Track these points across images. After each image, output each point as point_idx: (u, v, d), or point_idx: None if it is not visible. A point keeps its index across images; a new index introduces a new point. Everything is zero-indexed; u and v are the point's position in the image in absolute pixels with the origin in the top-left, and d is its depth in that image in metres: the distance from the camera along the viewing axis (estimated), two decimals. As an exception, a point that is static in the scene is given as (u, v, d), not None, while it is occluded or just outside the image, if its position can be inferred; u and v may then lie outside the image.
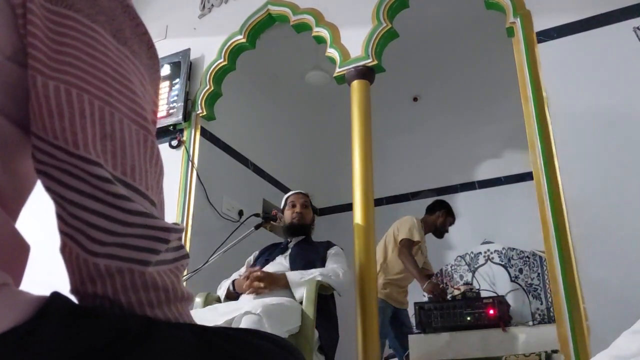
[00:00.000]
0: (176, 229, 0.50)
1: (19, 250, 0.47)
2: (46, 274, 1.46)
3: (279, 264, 2.48)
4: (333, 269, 2.40)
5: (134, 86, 0.51)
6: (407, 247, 3.37)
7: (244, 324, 1.90)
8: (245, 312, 1.95)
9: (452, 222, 3.73)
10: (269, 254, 2.63)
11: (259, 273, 2.31)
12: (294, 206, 2.72)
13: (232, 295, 2.44)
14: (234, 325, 1.90)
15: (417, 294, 3.64)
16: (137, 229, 0.46)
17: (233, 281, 2.46)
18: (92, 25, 0.49)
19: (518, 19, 2.55)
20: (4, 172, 0.47)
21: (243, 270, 2.62)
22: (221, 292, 2.51)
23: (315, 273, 2.33)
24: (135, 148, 0.49)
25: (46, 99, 0.45)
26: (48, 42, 0.46)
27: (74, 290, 0.48)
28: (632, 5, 2.33)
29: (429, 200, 4.18)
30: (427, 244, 3.63)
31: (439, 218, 3.66)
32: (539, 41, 2.46)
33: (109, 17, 0.51)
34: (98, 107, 0.46)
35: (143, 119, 0.51)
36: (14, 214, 0.50)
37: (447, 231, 3.72)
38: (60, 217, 0.47)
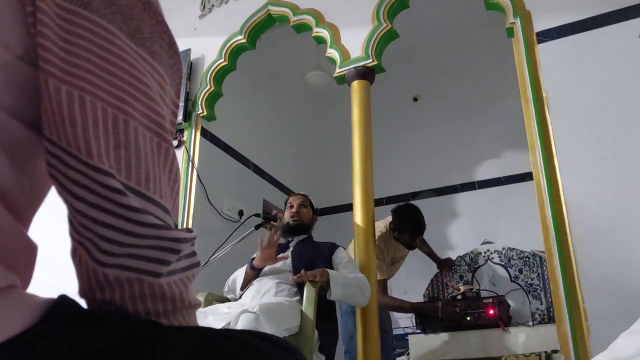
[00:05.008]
0: (188, 239, 0.49)
1: (26, 252, 0.47)
2: (50, 274, 1.46)
3: (281, 265, 2.48)
4: (363, 281, 2.35)
5: (151, 90, 0.49)
6: (382, 290, 2.99)
7: (241, 322, 1.90)
8: (242, 311, 1.95)
9: (407, 235, 3.17)
10: (269, 254, 2.62)
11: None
12: (291, 207, 2.72)
13: (251, 276, 2.46)
14: (231, 325, 1.90)
15: (416, 293, 3.64)
16: (148, 241, 0.46)
17: (251, 260, 2.48)
18: (108, 26, 0.47)
19: (518, 20, 2.55)
20: (14, 174, 0.46)
21: (244, 270, 2.62)
22: (231, 285, 2.53)
23: (351, 280, 2.31)
24: (149, 156, 0.48)
25: (58, 104, 0.44)
26: (60, 43, 0.45)
27: (82, 295, 0.48)
28: (632, 5, 2.33)
29: (429, 200, 4.19)
30: (428, 241, 3.61)
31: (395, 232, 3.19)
32: (539, 41, 2.47)
33: (127, 16, 0.49)
34: (112, 116, 0.45)
35: (158, 126, 0.49)
36: (27, 216, 0.49)
37: (410, 245, 3.26)
38: (71, 224, 0.46)
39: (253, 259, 2.53)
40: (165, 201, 0.49)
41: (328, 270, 2.29)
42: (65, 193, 0.45)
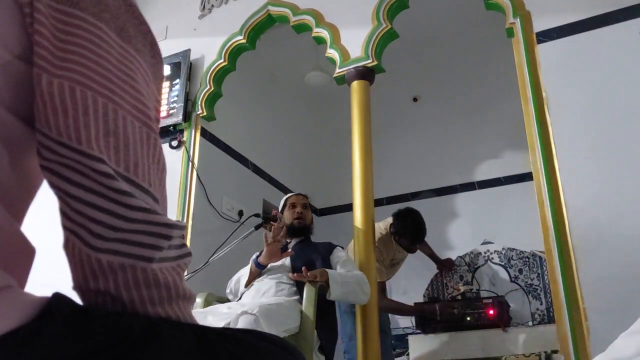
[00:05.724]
0: (178, 225, 0.50)
1: (23, 253, 0.47)
2: (45, 271, 1.46)
3: (280, 265, 2.48)
4: (362, 279, 2.36)
5: (138, 84, 0.51)
6: (380, 292, 2.96)
7: (241, 324, 1.90)
8: (242, 312, 1.95)
9: (407, 240, 3.18)
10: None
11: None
12: (294, 207, 2.71)
13: (256, 274, 2.46)
14: (231, 326, 1.90)
15: (416, 293, 3.64)
16: (139, 225, 0.47)
17: (257, 257, 2.48)
18: (97, 23, 0.49)
19: (518, 20, 2.55)
20: (11, 170, 0.47)
21: (247, 269, 2.62)
22: (234, 285, 2.53)
23: (350, 279, 2.32)
24: (138, 145, 0.49)
25: (50, 97, 0.45)
26: (54, 41, 0.47)
27: (76, 287, 0.49)
28: (632, 5, 2.33)
29: (429, 201, 4.18)
30: (428, 241, 3.61)
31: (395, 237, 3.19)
32: (539, 42, 2.47)
33: (113, 15, 0.51)
34: (102, 104, 0.47)
35: (146, 117, 0.51)
36: (21, 213, 0.50)
37: (410, 249, 3.28)
38: (63, 213, 0.47)
39: (258, 256, 2.54)
40: (153, 190, 0.50)
41: (327, 270, 2.29)
42: (59, 180, 0.46)
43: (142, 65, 0.53)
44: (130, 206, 0.46)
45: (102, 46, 0.49)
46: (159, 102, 0.57)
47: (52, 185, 0.47)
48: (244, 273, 2.53)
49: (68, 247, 0.48)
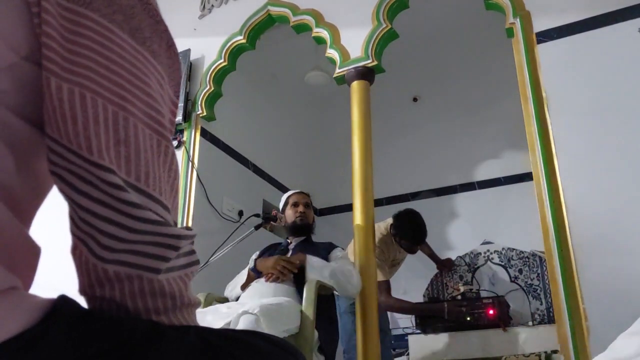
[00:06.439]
0: (187, 236, 0.50)
1: (29, 254, 0.47)
2: (49, 273, 1.46)
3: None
4: (348, 270, 2.35)
5: (151, 89, 0.50)
6: (386, 291, 3.04)
7: (242, 324, 1.90)
8: (242, 312, 1.95)
9: (408, 242, 3.20)
10: (269, 254, 2.61)
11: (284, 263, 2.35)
12: (296, 205, 2.69)
13: (252, 277, 2.45)
14: (231, 325, 1.90)
15: (416, 293, 3.64)
16: (147, 237, 0.46)
17: (255, 260, 2.48)
18: (109, 25, 0.48)
19: (518, 20, 2.56)
20: (18, 173, 0.46)
21: (245, 274, 2.62)
22: (231, 291, 2.52)
23: (333, 266, 2.33)
24: (149, 153, 0.48)
25: (60, 103, 0.44)
26: (63, 42, 0.45)
27: (81, 291, 0.48)
28: (631, 5, 2.33)
29: (429, 201, 4.18)
30: (428, 241, 3.61)
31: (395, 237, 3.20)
32: (539, 42, 2.47)
33: (127, 15, 0.49)
34: (112, 112, 0.46)
35: (158, 124, 0.50)
36: (29, 215, 0.50)
37: (411, 250, 3.30)
38: (72, 220, 0.47)
39: (258, 256, 2.52)
40: (164, 198, 0.49)
41: (307, 255, 2.32)
42: (68, 189, 0.45)
43: (156, 67, 0.51)
44: (139, 218, 0.46)
45: (114, 50, 0.47)
46: (175, 104, 0.56)
47: (62, 192, 0.46)
48: (240, 280, 2.52)
49: (75, 253, 0.47)
